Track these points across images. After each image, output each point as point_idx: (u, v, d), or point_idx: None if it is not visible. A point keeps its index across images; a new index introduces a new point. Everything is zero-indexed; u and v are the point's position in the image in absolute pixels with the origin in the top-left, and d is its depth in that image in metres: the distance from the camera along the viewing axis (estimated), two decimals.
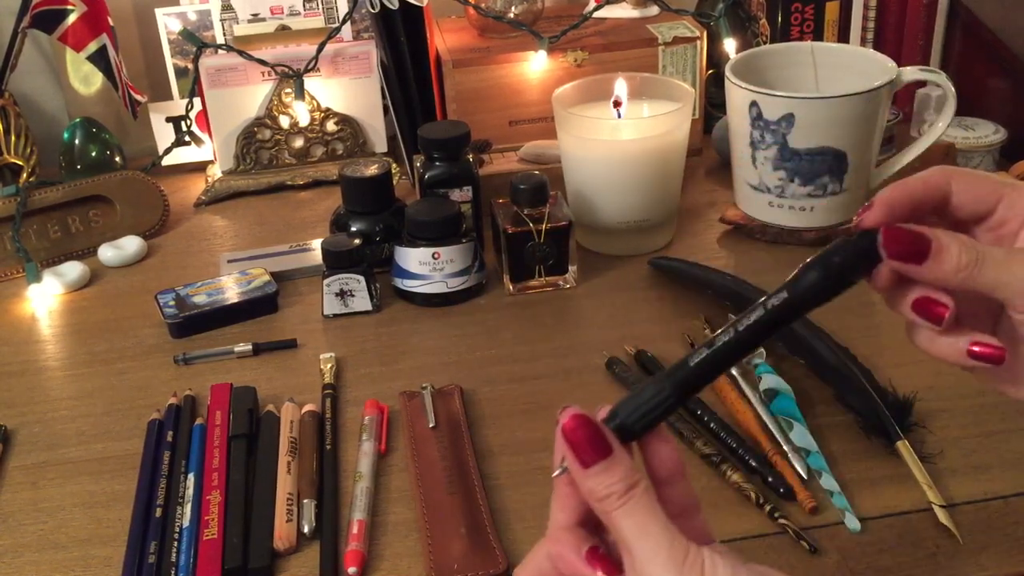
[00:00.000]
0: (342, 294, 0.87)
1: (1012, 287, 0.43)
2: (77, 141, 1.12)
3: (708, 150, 1.11)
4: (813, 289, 0.42)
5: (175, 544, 0.64)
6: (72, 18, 1.07)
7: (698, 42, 1.06)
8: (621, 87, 0.94)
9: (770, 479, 0.65)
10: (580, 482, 0.42)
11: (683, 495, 0.44)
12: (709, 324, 0.81)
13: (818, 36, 1.16)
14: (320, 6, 1.13)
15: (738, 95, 0.89)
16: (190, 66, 1.11)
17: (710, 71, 1.11)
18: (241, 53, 1.08)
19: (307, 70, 1.09)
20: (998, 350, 0.43)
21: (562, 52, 1.05)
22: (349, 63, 1.10)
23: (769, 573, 0.40)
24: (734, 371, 0.75)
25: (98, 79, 1.17)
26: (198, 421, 0.74)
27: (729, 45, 1.05)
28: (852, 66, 0.93)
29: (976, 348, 0.43)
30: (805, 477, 0.65)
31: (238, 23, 1.13)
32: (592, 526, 0.44)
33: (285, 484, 0.67)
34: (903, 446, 0.66)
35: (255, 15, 1.13)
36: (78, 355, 0.86)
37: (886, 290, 0.44)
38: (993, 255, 0.42)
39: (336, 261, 0.86)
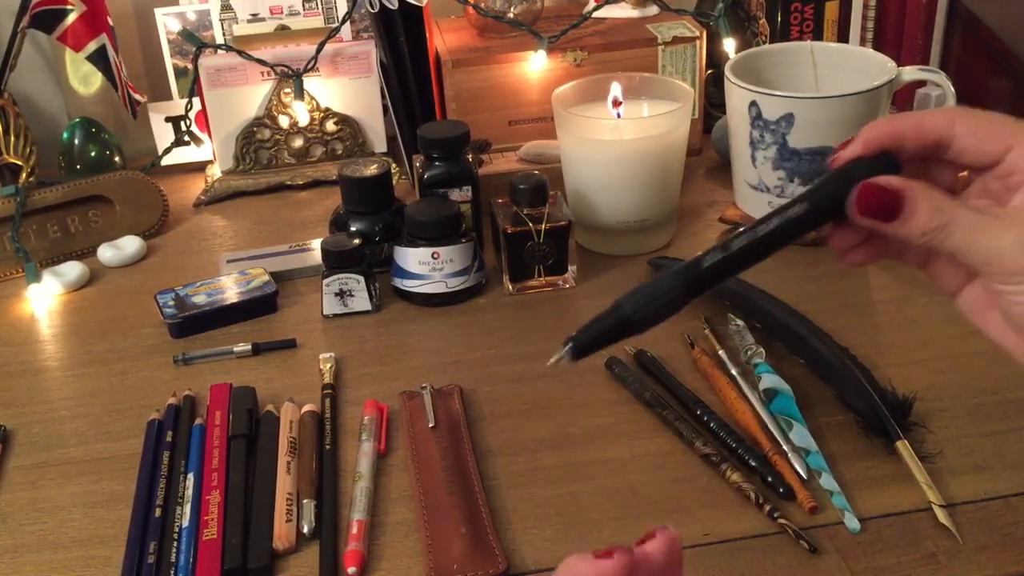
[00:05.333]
0: (342, 294, 0.87)
1: (974, 256, 0.43)
2: (77, 141, 1.11)
3: (708, 150, 1.11)
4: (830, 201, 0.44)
5: (175, 544, 0.64)
6: (72, 18, 1.07)
7: (698, 42, 1.06)
8: (620, 87, 0.94)
9: (770, 479, 0.65)
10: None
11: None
12: (709, 324, 0.81)
13: (818, 36, 1.16)
14: (320, 6, 1.13)
15: (738, 95, 0.89)
16: (190, 66, 1.11)
17: (710, 71, 1.11)
18: (241, 53, 1.08)
19: (307, 70, 1.09)
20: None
21: (562, 52, 1.05)
22: (349, 63, 1.10)
23: None
24: (734, 371, 0.75)
25: (98, 79, 1.17)
26: (198, 421, 0.74)
27: (729, 45, 1.05)
28: (852, 66, 0.93)
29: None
30: (805, 477, 0.65)
31: (237, 23, 1.13)
32: None
33: (285, 484, 0.67)
34: (903, 446, 0.66)
35: (254, 15, 1.13)
36: (78, 355, 0.86)
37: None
38: (961, 223, 0.43)
39: (336, 261, 0.86)
